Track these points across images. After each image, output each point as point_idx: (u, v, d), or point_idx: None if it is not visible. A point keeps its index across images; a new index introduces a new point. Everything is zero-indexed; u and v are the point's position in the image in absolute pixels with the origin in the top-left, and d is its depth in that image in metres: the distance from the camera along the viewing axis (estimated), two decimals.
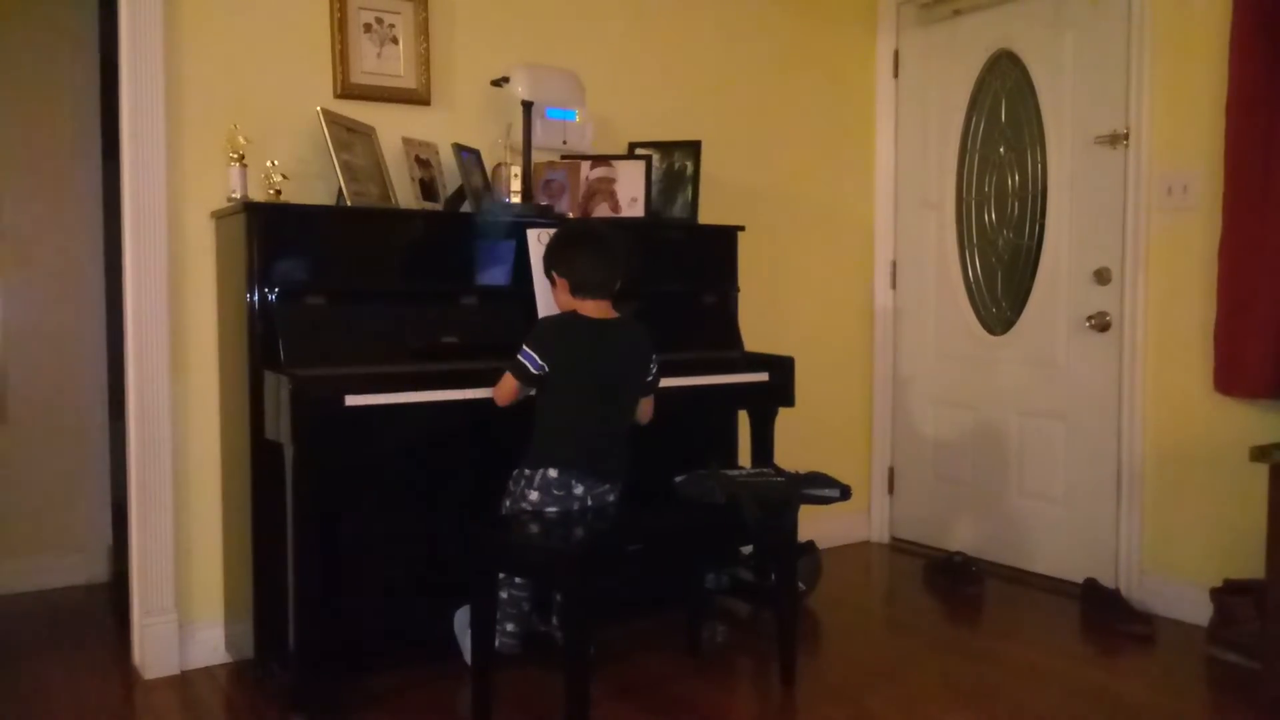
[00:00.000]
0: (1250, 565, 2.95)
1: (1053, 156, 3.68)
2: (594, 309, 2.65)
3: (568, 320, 2.64)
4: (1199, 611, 3.11)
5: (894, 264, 4.27)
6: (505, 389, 2.61)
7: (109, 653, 3.02)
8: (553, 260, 2.72)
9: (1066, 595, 3.52)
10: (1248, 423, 3.05)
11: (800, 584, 3.38)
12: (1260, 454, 2.58)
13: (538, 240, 2.90)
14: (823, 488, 2.75)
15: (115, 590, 3.54)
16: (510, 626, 2.70)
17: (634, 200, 3.26)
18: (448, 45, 3.23)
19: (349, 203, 2.77)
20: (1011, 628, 3.27)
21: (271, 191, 2.75)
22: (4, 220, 3.60)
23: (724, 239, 3.47)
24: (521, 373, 2.57)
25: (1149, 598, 3.35)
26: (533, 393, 2.62)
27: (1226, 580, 3.03)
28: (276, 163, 2.77)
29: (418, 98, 3.16)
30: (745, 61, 3.89)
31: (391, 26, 3.11)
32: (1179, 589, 3.26)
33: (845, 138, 4.19)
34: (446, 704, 2.63)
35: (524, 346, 2.58)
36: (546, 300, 2.83)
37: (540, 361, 2.55)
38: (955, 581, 3.64)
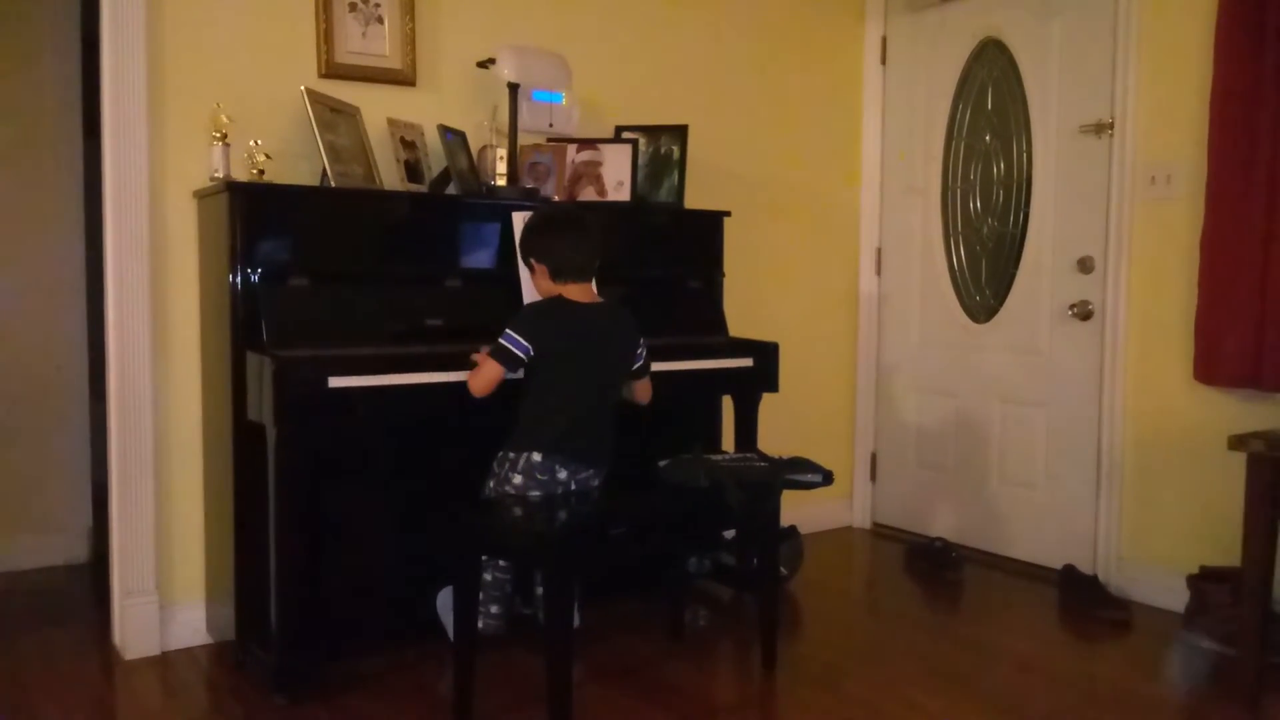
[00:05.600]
0: (1227, 553, 2.97)
1: (1038, 145, 3.69)
2: (577, 293, 2.65)
3: (553, 304, 2.63)
4: (1176, 598, 3.14)
5: (879, 251, 4.27)
6: (486, 376, 2.57)
7: (89, 633, 3.01)
8: (530, 247, 2.70)
9: (1045, 581, 3.55)
10: (1226, 411, 3.08)
11: (782, 569, 3.40)
12: (1238, 442, 2.61)
13: (523, 223, 2.88)
14: (805, 473, 2.76)
15: (95, 571, 3.53)
16: (494, 608, 2.71)
17: (620, 184, 3.26)
18: (434, 25, 3.21)
19: (333, 183, 2.75)
20: (991, 613, 3.30)
21: (255, 171, 2.73)
22: None
23: (710, 224, 3.47)
24: (506, 357, 2.55)
25: (1127, 584, 3.38)
26: (520, 374, 2.60)
27: (1203, 567, 3.06)
28: (260, 142, 2.75)
29: (403, 78, 3.13)
30: (733, 46, 3.88)
31: (377, 6, 3.08)
32: (1156, 575, 3.29)
33: (832, 124, 4.19)
34: (429, 685, 2.64)
35: (507, 330, 2.56)
36: (531, 284, 2.82)
37: (525, 344, 2.54)
38: (936, 567, 3.67)
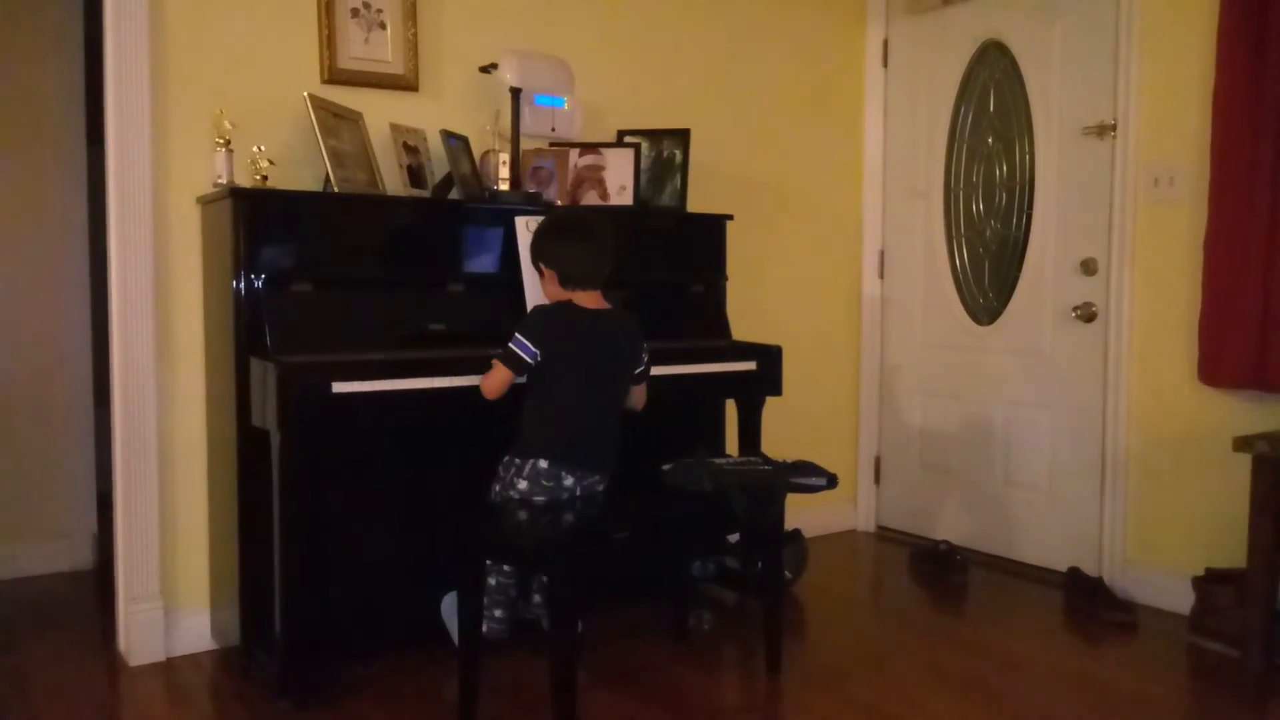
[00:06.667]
0: (1232, 554, 2.97)
1: (1040, 147, 3.69)
2: (586, 299, 2.64)
3: (561, 309, 2.63)
4: (1181, 600, 3.14)
5: (882, 253, 4.27)
6: (496, 380, 2.58)
7: (94, 640, 3.01)
8: (539, 252, 2.69)
9: (1050, 584, 3.54)
10: (1231, 413, 3.07)
11: (786, 572, 3.39)
12: (1243, 444, 2.61)
13: (526, 228, 2.89)
14: (809, 476, 2.75)
15: (100, 577, 3.53)
16: (498, 613, 2.70)
17: (622, 188, 3.26)
18: (436, 31, 3.21)
19: (336, 189, 2.76)
20: (995, 616, 3.29)
21: (258, 177, 2.73)
22: None
23: (712, 227, 3.47)
24: (515, 362, 2.55)
25: (1132, 586, 3.37)
26: (522, 379, 2.60)
27: (1208, 569, 3.06)
28: (263, 148, 2.75)
29: (406, 83, 3.14)
30: (735, 50, 3.88)
31: (379, 11, 3.09)
32: (1161, 578, 3.28)
33: (834, 127, 4.19)
34: (434, 690, 2.64)
35: (516, 335, 2.56)
36: (535, 288, 2.82)
37: (534, 349, 2.54)
38: (940, 570, 3.67)
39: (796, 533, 3.58)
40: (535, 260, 2.72)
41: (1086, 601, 3.30)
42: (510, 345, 2.55)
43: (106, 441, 2.93)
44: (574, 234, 2.66)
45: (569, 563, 2.26)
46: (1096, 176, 3.48)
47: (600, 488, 2.67)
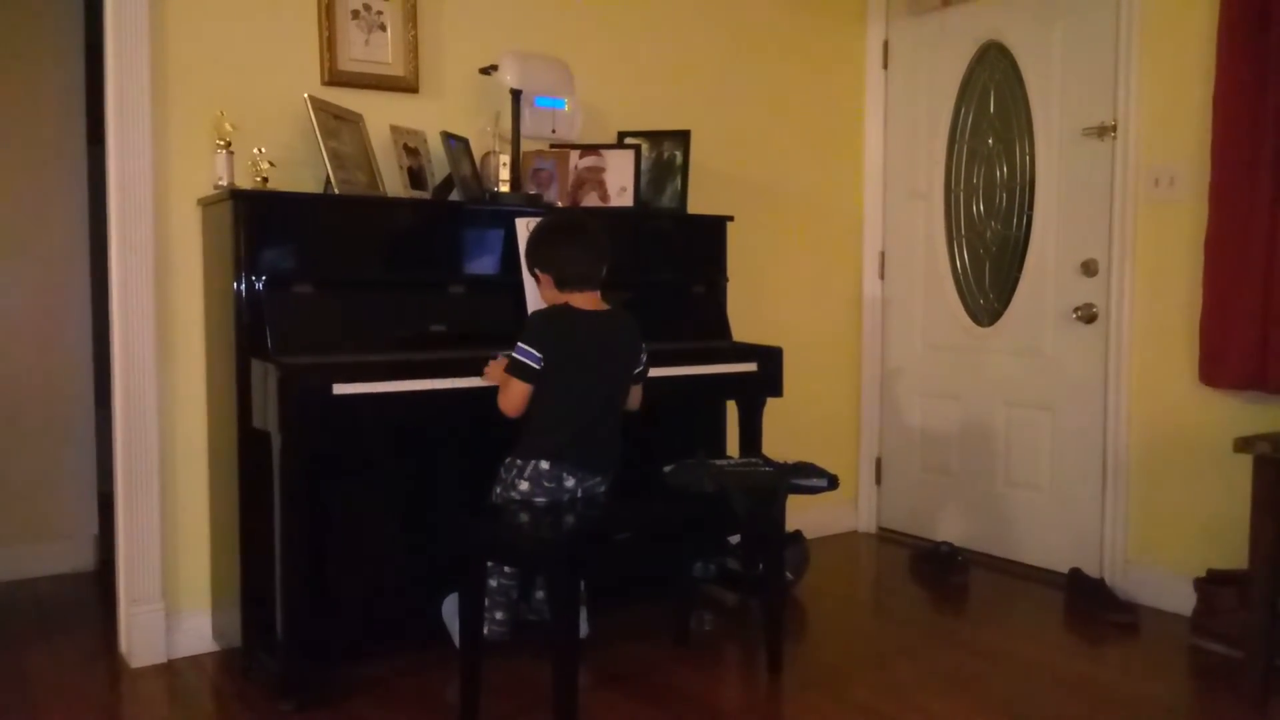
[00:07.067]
0: (1234, 555, 2.97)
1: (1041, 148, 3.69)
2: (583, 301, 2.63)
3: (559, 312, 2.62)
4: (1183, 601, 3.13)
5: (882, 254, 4.27)
6: (514, 396, 2.55)
7: (96, 641, 3.01)
8: (534, 257, 2.68)
9: (1051, 585, 3.54)
10: (1232, 414, 3.07)
11: (788, 573, 3.39)
12: (1244, 445, 2.60)
13: (526, 229, 2.88)
14: (810, 478, 2.75)
15: (101, 579, 3.53)
16: (499, 615, 2.70)
17: (623, 190, 3.26)
18: (436, 32, 3.22)
19: (336, 191, 2.76)
20: (997, 617, 3.29)
21: (259, 179, 2.73)
22: None
23: (713, 229, 3.47)
24: (524, 371, 2.53)
25: (1133, 587, 3.37)
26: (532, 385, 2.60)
27: (1210, 570, 3.06)
28: (264, 150, 2.76)
29: (406, 85, 3.14)
30: (735, 51, 3.88)
31: (379, 13, 3.09)
32: (1163, 579, 3.28)
33: (835, 128, 4.20)
34: (435, 692, 2.64)
35: (519, 344, 2.54)
36: (535, 290, 2.81)
37: (538, 354, 2.53)
38: (941, 571, 3.66)
39: (798, 534, 3.58)
40: (530, 266, 2.72)
41: (1088, 602, 3.30)
42: (514, 355, 2.54)
43: (108, 443, 2.93)
44: (568, 236, 2.66)
45: (570, 564, 2.26)
46: (1097, 177, 3.49)
47: (602, 489, 2.67)
